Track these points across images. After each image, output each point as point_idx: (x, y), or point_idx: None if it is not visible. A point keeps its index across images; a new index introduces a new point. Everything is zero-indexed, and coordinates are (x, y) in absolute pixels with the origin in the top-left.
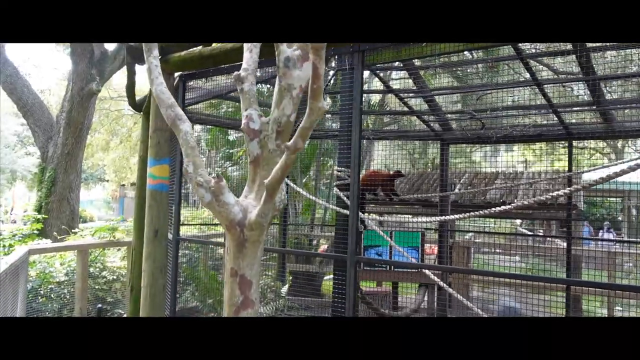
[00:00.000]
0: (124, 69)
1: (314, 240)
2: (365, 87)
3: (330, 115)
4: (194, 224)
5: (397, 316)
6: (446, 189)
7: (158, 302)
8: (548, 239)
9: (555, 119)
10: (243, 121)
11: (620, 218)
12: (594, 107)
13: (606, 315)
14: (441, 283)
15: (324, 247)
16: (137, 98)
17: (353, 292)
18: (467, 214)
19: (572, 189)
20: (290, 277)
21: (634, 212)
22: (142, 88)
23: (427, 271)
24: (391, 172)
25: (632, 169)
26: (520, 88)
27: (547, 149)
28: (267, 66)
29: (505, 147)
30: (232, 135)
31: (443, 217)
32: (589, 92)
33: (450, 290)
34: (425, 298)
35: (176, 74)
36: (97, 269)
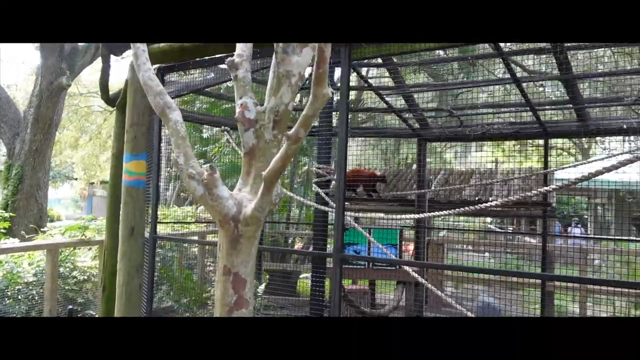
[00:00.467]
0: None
1: (290, 238)
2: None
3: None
4: (168, 222)
5: (389, 316)
6: (424, 186)
7: (134, 301)
8: (518, 236)
9: (532, 117)
10: (237, 110)
11: (585, 215)
12: (570, 105)
13: (578, 311)
14: (423, 281)
15: (299, 245)
16: (110, 93)
17: (339, 291)
18: (446, 211)
19: (556, 187)
20: (267, 276)
21: (599, 209)
22: (113, 84)
23: (408, 268)
24: (377, 172)
25: (621, 164)
26: (498, 85)
27: (518, 147)
28: (262, 57)
29: (476, 145)
30: (206, 132)
31: (422, 214)
32: (565, 90)
33: (441, 292)
34: (403, 296)
35: (154, 66)
36: (67, 269)
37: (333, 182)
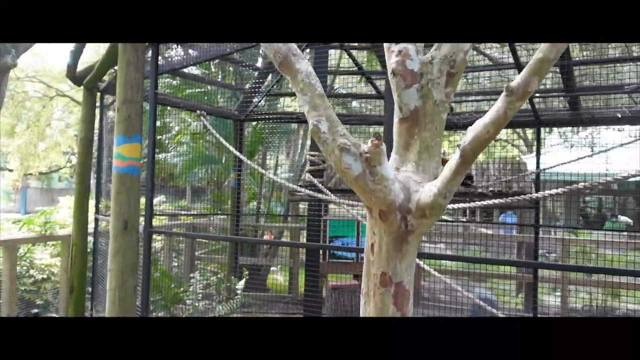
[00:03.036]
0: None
1: (259, 230)
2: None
3: (293, 97)
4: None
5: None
6: None
7: (129, 305)
8: (472, 226)
9: (526, 105)
10: (393, 60)
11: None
12: (564, 94)
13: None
14: (436, 273)
15: (268, 237)
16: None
17: None
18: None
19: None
20: (247, 272)
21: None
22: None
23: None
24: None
25: None
26: (494, 71)
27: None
28: None
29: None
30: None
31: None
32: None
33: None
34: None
35: None
36: (24, 268)
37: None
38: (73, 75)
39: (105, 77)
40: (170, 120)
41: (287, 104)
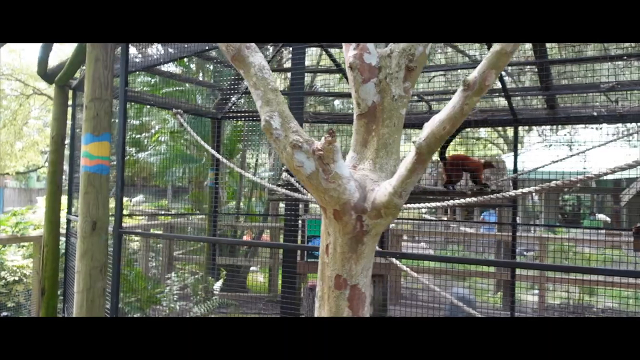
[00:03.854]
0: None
1: (239, 230)
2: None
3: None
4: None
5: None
6: None
7: (97, 308)
8: (452, 225)
9: (504, 104)
10: (351, 53)
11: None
12: (541, 93)
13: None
14: (413, 273)
15: (247, 238)
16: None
17: None
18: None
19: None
20: (225, 272)
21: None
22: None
23: (395, 261)
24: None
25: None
26: (469, 70)
27: (460, 138)
28: None
29: (406, 136)
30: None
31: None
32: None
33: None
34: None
35: None
36: None
37: None
38: (44, 73)
39: (77, 74)
40: (150, 119)
41: None
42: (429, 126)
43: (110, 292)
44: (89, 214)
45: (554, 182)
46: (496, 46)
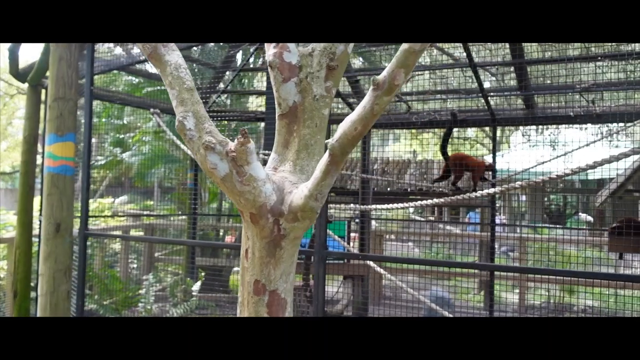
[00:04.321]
0: None
1: (221, 231)
2: None
3: (258, 95)
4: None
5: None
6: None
7: (61, 312)
8: (440, 225)
9: (482, 104)
10: (270, 52)
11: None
12: (519, 93)
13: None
14: (388, 274)
15: (229, 238)
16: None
17: (322, 290)
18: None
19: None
20: (203, 273)
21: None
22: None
23: (372, 263)
24: (485, 162)
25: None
26: (452, 69)
27: (434, 137)
28: None
29: (393, 136)
30: (126, 118)
31: (394, 204)
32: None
33: (380, 285)
34: (349, 291)
35: None
36: None
37: None
38: (16, 72)
39: (48, 73)
40: (134, 119)
41: (256, 102)
42: (342, 127)
43: (76, 295)
44: (52, 216)
45: (521, 182)
46: (404, 45)
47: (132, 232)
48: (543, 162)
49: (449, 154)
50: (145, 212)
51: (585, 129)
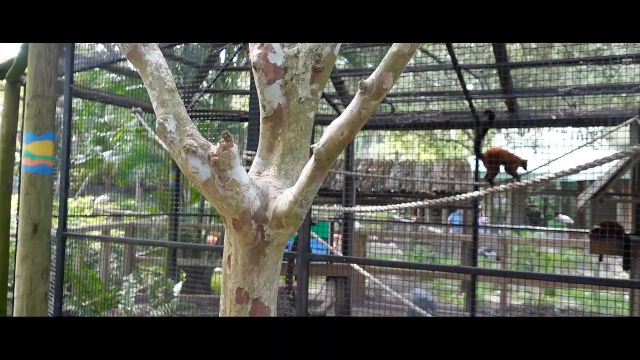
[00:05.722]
0: None
1: (203, 231)
2: None
3: (241, 95)
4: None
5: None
6: (352, 178)
7: (38, 314)
8: (422, 226)
9: (464, 106)
10: (255, 53)
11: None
12: (502, 96)
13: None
14: (371, 276)
15: (212, 238)
16: None
17: (305, 294)
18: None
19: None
20: (185, 274)
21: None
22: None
23: (356, 266)
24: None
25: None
26: (438, 71)
27: (420, 139)
28: None
29: (378, 137)
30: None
31: (379, 207)
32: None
33: (364, 286)
34: (333, 292)
35: None
36: None
37: None
38: None
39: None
40: (116, 117)
41: (239, 102)
42: (328, 132)
43: (54, 296)
44: (30, 217)
45: (507, 185)
46: (394, 48)
47: (113, 232)
48: (529, 172)
49: (482, 151)
50: (126, 212)
51: (565, 132)
